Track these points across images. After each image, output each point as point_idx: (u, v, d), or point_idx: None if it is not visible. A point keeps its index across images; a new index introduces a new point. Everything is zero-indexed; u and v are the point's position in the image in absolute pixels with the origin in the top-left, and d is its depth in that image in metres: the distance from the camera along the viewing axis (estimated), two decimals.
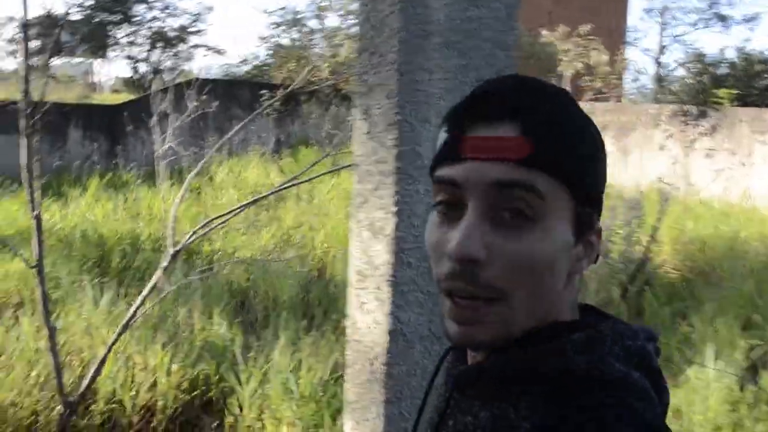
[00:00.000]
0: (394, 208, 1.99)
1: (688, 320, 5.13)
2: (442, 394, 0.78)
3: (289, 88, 3.88)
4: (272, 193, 3.91)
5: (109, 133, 11.32)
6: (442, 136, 0.70)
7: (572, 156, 0.67)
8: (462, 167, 0.67)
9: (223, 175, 9.72)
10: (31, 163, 3.28)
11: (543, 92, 0.68)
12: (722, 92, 10.10)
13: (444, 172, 0.69)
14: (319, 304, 5.38)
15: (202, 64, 21.53)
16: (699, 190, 10.03)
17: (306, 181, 3.95)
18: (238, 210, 3.69)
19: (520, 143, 0.65)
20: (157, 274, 3.33)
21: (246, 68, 19.56)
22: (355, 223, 2.11)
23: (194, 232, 3.39)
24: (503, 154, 0.65)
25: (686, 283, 6.05)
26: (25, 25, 3.11)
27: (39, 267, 3.23)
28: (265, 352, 4.25)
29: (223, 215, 3.56)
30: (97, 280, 5.58)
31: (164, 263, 3.32)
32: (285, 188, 3.50)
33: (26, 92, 3.19)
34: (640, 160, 11.36)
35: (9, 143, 10.93)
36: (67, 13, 18.11)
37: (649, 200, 9.26)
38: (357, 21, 2.11)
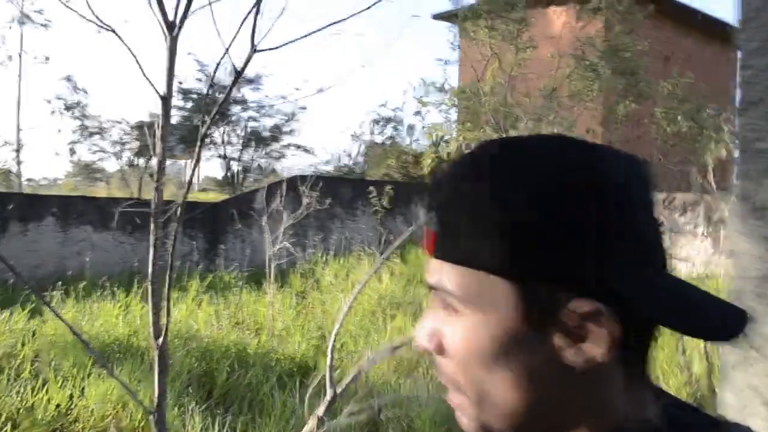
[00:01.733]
0: None
1: None
2: None
3: None
4: None
5: (208, 231, 10.89)
6: None
7: (480, 236, 0.55)
8: None
9: (330, 277, 8.96)
10: (156, 272, 2.54)
11: (455, 171, 0.59)
12: None
13: None
14: None
15: (288, 164, 21.49)
16: None
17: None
18: (408, 342, 2.84)
19: (430, 236, 0.60)
20: (312, 423, 2.46)
21: (330, 166, 19.39)
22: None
23: (358, 371, 2.54)
24: (427, 251, 0.61)
25: None
26: (165, 102, 2.44)
27: (159, 413, 2.42)
28: None
29: (393, 348, 2.72)
30: (203, 405, 4.77)
31: (323, 408, 2.45)
32: None
33: (158, 188, 2.51)
34: None
35: (108, 241, 10.63)
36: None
37: None
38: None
